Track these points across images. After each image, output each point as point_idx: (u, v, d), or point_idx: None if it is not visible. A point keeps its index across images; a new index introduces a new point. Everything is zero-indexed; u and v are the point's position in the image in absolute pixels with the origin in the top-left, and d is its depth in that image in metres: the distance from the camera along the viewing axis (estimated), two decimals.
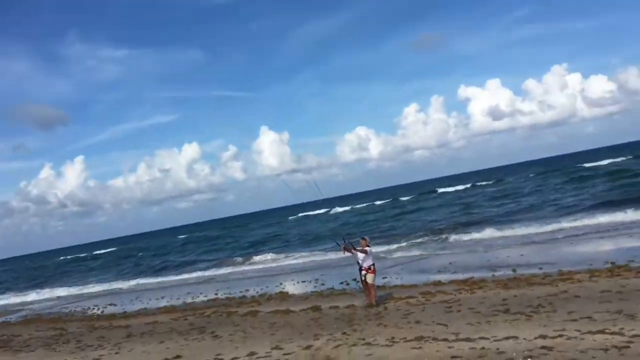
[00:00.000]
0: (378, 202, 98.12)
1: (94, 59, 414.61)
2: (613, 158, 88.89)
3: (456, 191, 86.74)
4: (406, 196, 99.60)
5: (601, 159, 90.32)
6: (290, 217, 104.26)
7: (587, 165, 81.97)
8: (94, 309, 28.41)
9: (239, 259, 43.90)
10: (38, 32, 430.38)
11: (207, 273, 39.22)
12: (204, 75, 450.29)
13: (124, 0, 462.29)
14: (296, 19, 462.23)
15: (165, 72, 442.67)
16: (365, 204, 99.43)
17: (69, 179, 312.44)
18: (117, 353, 14.67)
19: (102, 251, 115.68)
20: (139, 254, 78.55)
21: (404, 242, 35.64)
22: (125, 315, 23.31)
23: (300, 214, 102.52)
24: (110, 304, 29.18)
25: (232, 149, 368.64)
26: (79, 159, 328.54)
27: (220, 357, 12.33)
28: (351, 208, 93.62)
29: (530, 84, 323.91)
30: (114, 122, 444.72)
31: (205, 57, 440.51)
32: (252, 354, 12.12)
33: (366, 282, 16.19)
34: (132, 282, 41.64)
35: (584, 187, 50.28)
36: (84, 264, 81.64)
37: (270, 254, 42.36)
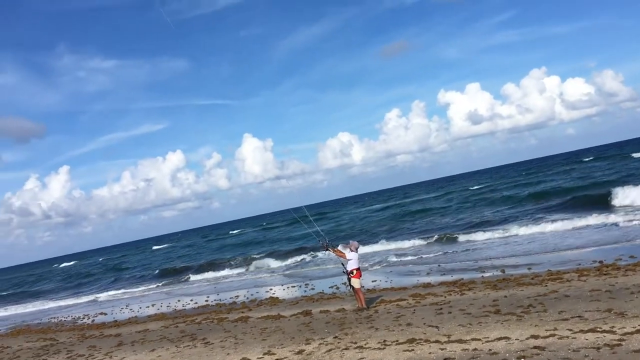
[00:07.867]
0: (362, 208, 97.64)
1: (83, 70, 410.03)
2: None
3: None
4: (388, 202, 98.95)
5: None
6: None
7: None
8: (84, 318, 28.18)
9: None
10: (28, 43, 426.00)
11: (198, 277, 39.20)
12: (190, 84, 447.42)
13: (112, 12, 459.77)
14: (282, 28, 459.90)
15: (151, 82, 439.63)
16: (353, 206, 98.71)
17: (54, 189, 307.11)
18: None
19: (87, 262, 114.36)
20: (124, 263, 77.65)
21: (392, 244, 35.82)
22: (115, 323, 23.12)
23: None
24: (101, 313, 28.95)
25: (216, 156, 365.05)
26: (64, 169, 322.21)
27: None
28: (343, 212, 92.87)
29: (509, 87, 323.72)
30: (100, 133, 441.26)
31: (191, 66, 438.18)
32: None
33: (352, 286, 16.09)
34: (121, 291, 41.42)
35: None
36: (73, 274, 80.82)
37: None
